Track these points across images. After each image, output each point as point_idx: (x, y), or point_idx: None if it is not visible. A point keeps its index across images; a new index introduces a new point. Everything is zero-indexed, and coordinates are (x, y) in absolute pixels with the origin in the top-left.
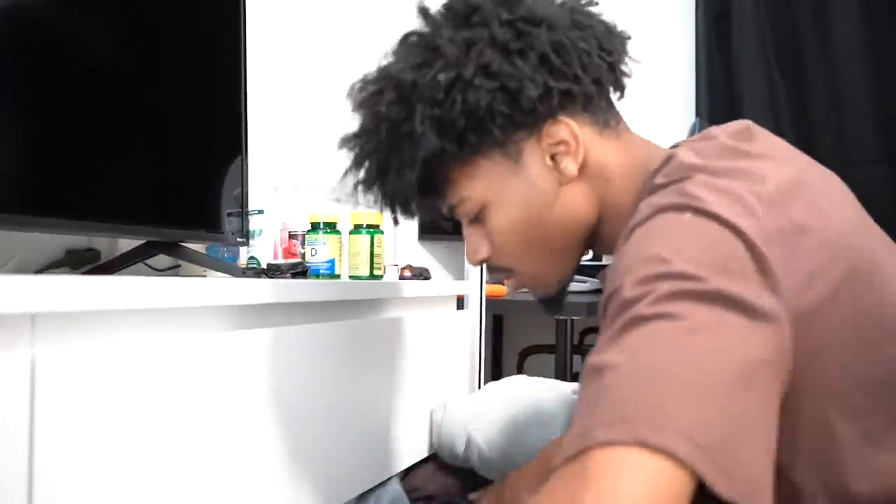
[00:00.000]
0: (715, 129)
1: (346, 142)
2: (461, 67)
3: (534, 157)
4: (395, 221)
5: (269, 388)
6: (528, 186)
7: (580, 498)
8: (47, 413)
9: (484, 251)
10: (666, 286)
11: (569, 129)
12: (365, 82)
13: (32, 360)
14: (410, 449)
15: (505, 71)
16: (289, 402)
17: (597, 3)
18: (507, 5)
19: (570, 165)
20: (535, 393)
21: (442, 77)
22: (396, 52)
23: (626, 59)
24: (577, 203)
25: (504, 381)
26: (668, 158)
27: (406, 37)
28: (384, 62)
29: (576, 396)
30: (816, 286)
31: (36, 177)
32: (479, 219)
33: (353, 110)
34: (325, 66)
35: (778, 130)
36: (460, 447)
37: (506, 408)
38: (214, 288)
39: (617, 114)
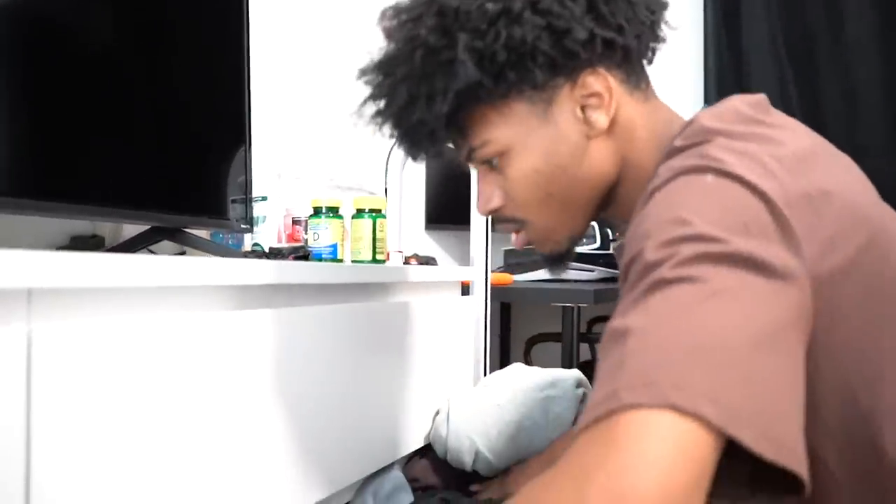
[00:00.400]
0: (734, 98)
1: (370, 71)
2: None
3: (565, 107)
4: (413, 157)
5: (271, 368)
6: (554, 135)
7: (609, 459)
8: (44, 388)
9: (496, 200)
10: (688, 249)
11: (605, 81)
12: (399, 9)
13: (29, 335)
14: (413, 435)
15: (554, 10)
16: (291, 383)
17: None
18: None
19: (600, 119)
20: (537, 392)
21: (489, 7)
22: None
23: (664, 24)
24: (600, 159)
25: (504, 372)
26: (688, 123)
27: None
28: None
29: (579, 391)
30: (836, 252)
31: (41, 162)
32: (496, 166)
33: (385, 37)
34: (325, 56)
35: None
36: (468, 462)
37: (510, 414)
38: (215, 267)
39: (647, 77)
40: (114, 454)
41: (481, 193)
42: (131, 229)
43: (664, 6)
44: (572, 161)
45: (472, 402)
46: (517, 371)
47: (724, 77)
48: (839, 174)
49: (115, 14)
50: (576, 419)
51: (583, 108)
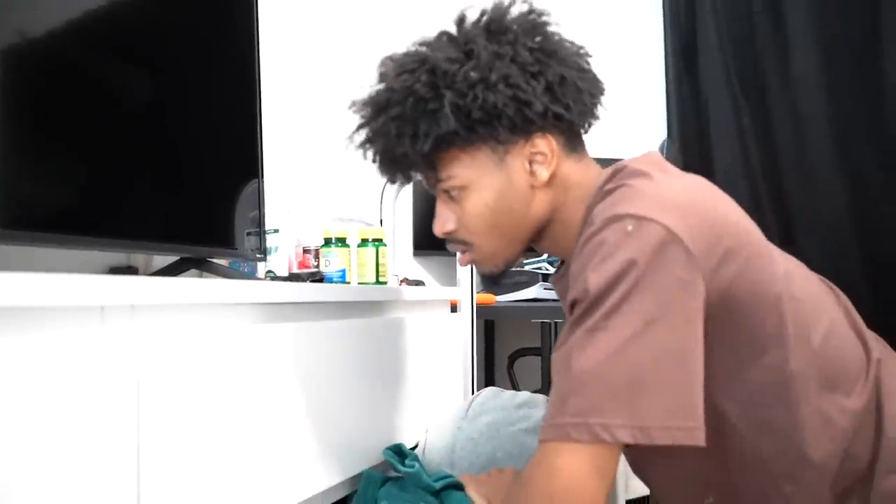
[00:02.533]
0: (649, 153)
1: (364, 106)
2: (489, 72)
3: (517, 159)
4: (391, 181)
5: (296, 374)
6: (506, 180)
7: (550, 483)
8: (149, 387)
9: (450, 225)
10: (618, 293)
11: (550, 144)
12: (397, 61)
13: (135, 344)
14: (408, 434)
15: (521, 85)
16: (310, 385)
17: (591, 57)
18: (533, 35)
19: (543, 173)
20: (509, 426)
21: (472, 75)
22: (431, 45)
23: (601, 107)
24: (538, 204)
25: (478, 401)
26: (614, 170)
27: (441, 34)
28: (415, 48)
29: None
30: (727, 267)
31: (87, 204)
32: (455, 197)
33: (380, 81)
34: (329, 103)
35: (744, 151)
36: None
37: (483, 447)
38: (256, 289)
39: (583, 143)
40: (213, 445)
41: (438, 217)
42: (161, 260)
43: (602, 92)
44: (517, 203)
45: (447, 436)
46: (490, 400)
47: (683, 104)
48: (726, 208)
49: (147, 74)
50: None
51: (530, 163)
